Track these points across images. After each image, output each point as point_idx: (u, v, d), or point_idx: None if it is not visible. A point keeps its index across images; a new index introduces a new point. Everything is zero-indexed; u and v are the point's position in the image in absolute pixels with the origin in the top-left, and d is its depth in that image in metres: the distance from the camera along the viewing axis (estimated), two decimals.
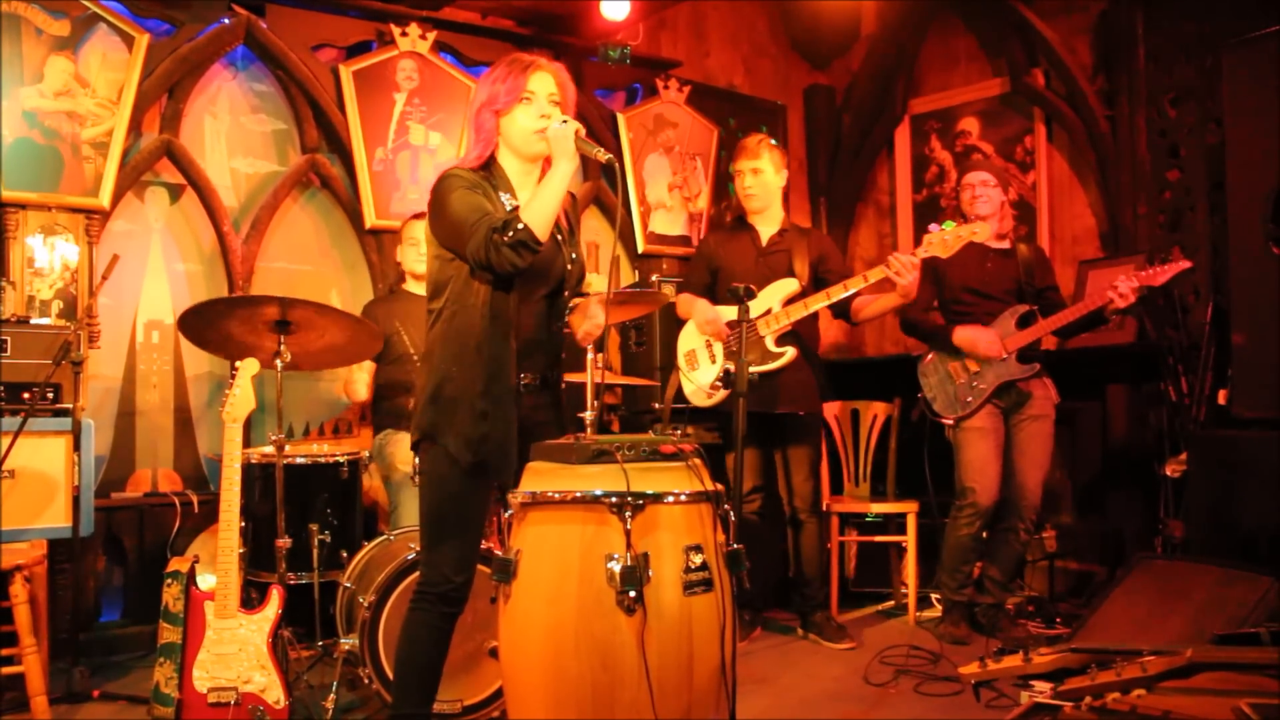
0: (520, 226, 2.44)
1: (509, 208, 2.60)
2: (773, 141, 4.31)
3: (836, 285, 3.98)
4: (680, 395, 4.28)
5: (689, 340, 4.31)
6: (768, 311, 4.09)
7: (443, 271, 2.64)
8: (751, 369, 4.00)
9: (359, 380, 4.21)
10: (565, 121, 2.56)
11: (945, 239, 3.75)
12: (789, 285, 4.13)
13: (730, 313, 4.00)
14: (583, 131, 2.57)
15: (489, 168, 2.67)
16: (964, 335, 4.13)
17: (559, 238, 2.71)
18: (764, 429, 4.23)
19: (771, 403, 4.11)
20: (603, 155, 2.56)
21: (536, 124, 2.60)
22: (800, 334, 4.15)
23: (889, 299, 3.98)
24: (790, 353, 4.06)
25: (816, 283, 4.18)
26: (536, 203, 2.51)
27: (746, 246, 4.31)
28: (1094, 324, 4.05)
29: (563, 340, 2.80)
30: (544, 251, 2.54)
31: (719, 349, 4.20)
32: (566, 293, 2.76)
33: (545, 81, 2.63)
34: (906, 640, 4.08)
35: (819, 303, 4.01)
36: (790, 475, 4.30)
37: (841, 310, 4.19)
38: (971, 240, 3.75)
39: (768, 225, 4.32)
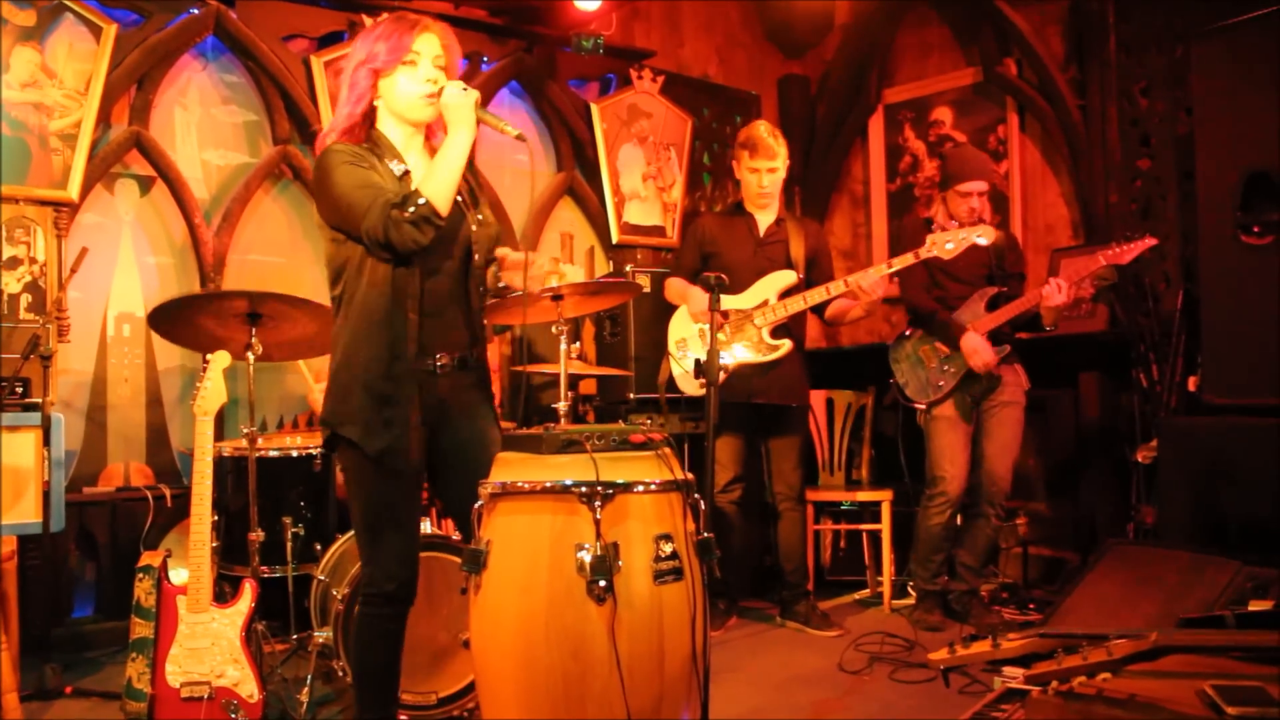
0: (421, 201, 2.30)
1: (398, 173, 2.44)
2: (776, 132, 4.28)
3: (818, 289, 4.04)
4: (672, 383, 4.24)
5: (680, 328, 4.23)
6: (765, 303, 4.09)
7: (338, 254, 2.45)
8: (748, 360, 4.05)
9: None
10: (465, 90, 2.38)
11: (948, 243, 3.80)
12: (786, 277, 4.14)
13: (724, 302, 3.99)
14: (480, 100, 2.41)
15: (368, 134, 2.48)
16: (970, 343, 4.09)
17: (460, 201, 2.49)
18: (752, 419, 4.24)
19: (763, 394, 4.12)
20: (511, 131, 2.40)
21: (423, 89, 2.42)
22: (790, 327, 4.16)
23: (854, 309, 4.12)
24: (787, 345, 4.07)
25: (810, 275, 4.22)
26: (435, 175, 2.35)
27: (744, 236, 4.28)
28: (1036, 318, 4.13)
29: (482, 316, 2.63)
30: (446, 221, 2.39)
31: None
32: (477, 257, 2.55)
33: (430, 43, 2.44)
34: (882, 628, 4.10)
35: (816, 298, 4.04)
36: (779, 465, 4.31)
37: (818, 308, 4.21)
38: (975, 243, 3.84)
39: (765, 214, 4.31)
